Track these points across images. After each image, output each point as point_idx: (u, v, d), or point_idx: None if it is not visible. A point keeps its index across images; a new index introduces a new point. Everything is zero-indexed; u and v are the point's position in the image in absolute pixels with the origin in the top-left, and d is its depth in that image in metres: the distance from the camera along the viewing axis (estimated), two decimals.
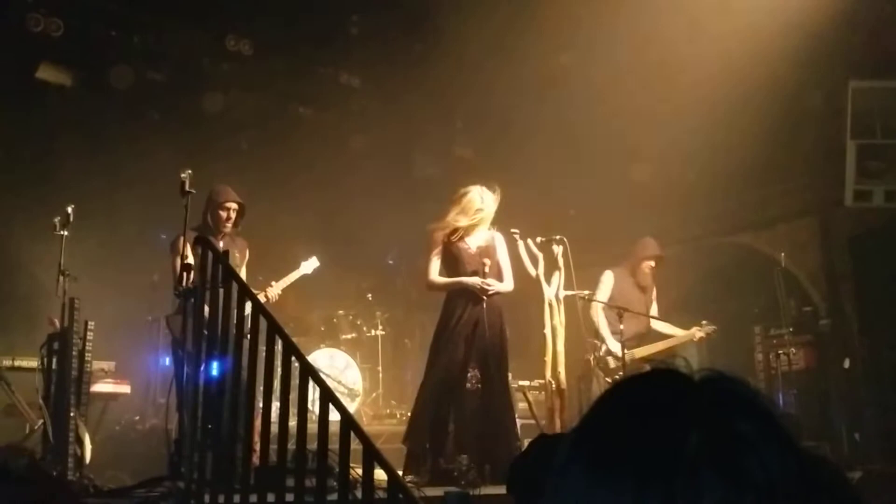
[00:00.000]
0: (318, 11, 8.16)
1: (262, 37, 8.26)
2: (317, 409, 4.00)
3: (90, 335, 6.03)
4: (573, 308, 6.91)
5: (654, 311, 7.60)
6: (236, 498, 4.03)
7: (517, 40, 7.86)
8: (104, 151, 8.05)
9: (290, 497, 3.84)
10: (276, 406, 4.40)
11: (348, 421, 3.84)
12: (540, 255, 6.65)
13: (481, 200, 6.09)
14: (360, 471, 3.80)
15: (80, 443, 5.63)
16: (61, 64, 7.87)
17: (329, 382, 5.80)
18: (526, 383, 7.23)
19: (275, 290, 6.63)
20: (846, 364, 8.04)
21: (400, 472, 4.45)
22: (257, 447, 4.54)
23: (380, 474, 3.78)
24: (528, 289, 6.73)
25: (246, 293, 4.44)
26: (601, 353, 7.25)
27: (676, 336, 7.54)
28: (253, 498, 3.96)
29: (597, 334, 7.30)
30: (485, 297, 5.91)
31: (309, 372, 4.11)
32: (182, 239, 5.91)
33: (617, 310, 7.09)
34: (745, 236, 9.58)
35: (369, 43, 8.47)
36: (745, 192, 9.39)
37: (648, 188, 9.66)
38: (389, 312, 10.05)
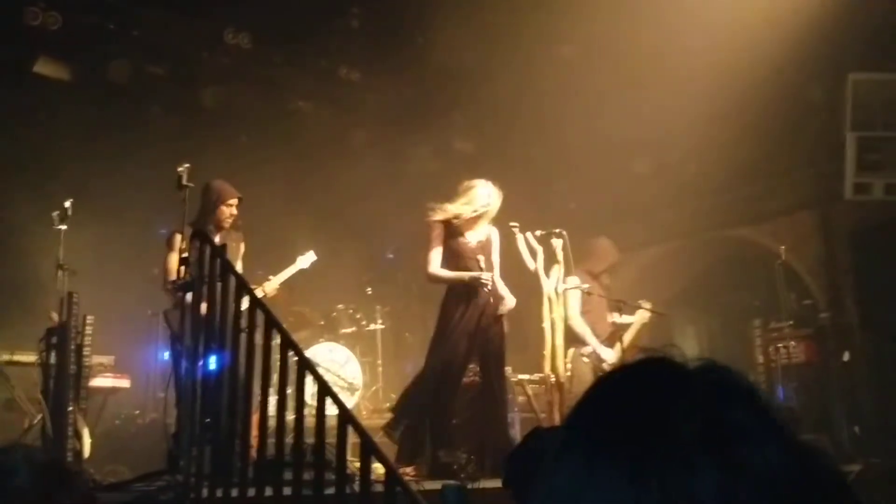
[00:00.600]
0: (318, 4, 8.13)
1: (261, 30, 8.23)
2: (315, 403, 3.99)
3: (89, 329, 6.04)
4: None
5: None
6: (234, 492, 4.03)
7: (517, 33, 7.85)
8: (103, 145, 8.04)
9: (287, 491, 3.84)
10: (273, 400, 4.40)
11: (345, 415, 3.83)
12: (539, 249, 6.65)
13: (487, 196, 6.09)
14: (358, 464, 3.80)
15: (80, 437, 5.64)
16: (59, 58, 7.85)
17: (328, 376, 5.82)
18: (525, 377, 7.22)
19: (272, 284, 6.63)
20: (846, 357, 8.04)
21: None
22: (255, 441, 4.54)
23: (378, 468, 3.78)
24: (528, 282, 6.73)
25: (243, 287, 4.43)
26: (589, 353, 7.19)
27: (633, 323, 7.54)
28: (251, 492, 3.96)
29: (579, 341, 7.21)
30: (486, 291, 5.91)
31: (306, 366, 4.11)
32: (178, 235, 5.91)
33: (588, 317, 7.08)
34: (746, 230, 9.57)
35: (369, 36, 8.44)
36: (745, 185, 9.37)
37: (649, 181, 9.65)
38: (389, 306, 10.04)
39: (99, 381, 7.15)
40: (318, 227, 9.26)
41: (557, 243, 6.67)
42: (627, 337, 7.46)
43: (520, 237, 6.59)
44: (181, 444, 4.52)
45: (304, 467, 3.87)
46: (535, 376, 7.03)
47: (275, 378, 4.24)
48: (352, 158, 9.40)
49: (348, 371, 8.91)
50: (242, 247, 6.38)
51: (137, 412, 8.24)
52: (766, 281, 8.29)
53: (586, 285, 7.15)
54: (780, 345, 7.86)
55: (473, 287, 5.94)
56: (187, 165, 5.40)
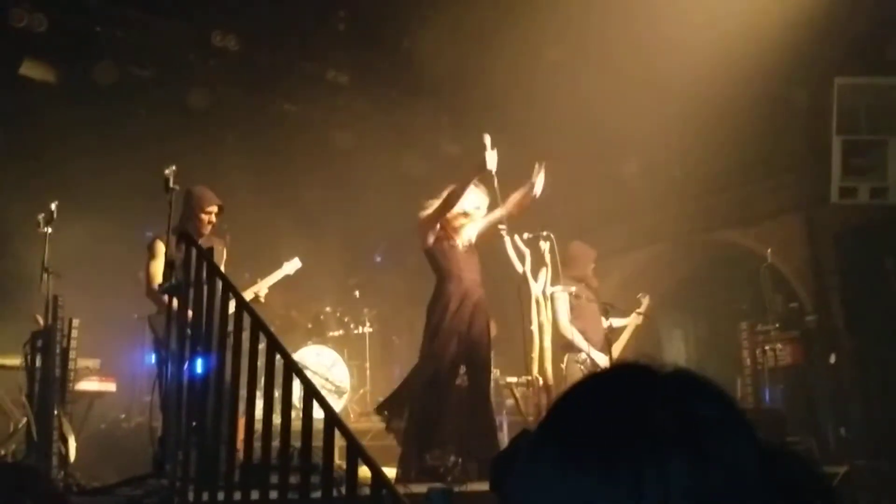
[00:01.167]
0: (305, 7, 8.12)
1: (248, 32, 8.21)
2: (302, 406, 3.98)
3: (74, 333, 6.00)
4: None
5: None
6: (220, 495, 4.01)
7: (503, 37, 7.85)
8: (88, 148, 7.99)
9: (274, 494, 3.83)
10: (260, 403, 4.38)
11: (332, 418, 3.82)
12: (527, 252, 6.65)
13: (476, 198, 6.12)
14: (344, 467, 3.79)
15: (65, 441, 5.60)
16: (45, 60, 7.81)
17: (316, 380, 5.81)
18: (513, 380, 7.22)
19: (262, 288, 6.61)
20: (832, 360, 8.08)
21: (391, 469, 4.44)
22: (241, 445, 4.52)
23: (364, 471, 3.77)
24: (515, 285, 6.73)
25: (230, 290, 4.41)
26: (583, 359, 7.18)
27: (629, 324, 7.56)
28: (237, 495, 3.94)
29: (572, 347, 7.21)
30: (477, 295, 5.93)
31: (293, 369, 4.10)
32: (159, 242, 5.89)
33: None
34: (732, 233, 9.61)
35: (356, 39, 8.44)
36: (731, 188, 9.42)
37: (635, 185, 9.68)
38: (377, 309, 10.03)
39: (84, 385, 7.10)
40: (305, 230, 9.25)
41: (545, 246, 6.68)
42: (622, 340, 7.47)
43: (507, 240, 6.60)
44: (167, 448, 4.49)
45: (291, 471, 3.86)
46: (523, 379, 7.03)
47: (261, 381, 4.22)
48: (339, 161, 9.39)
49: (336, 374, 8.90)
50: (225, 253, 6.30)
51: (123, 416, 8.19)
52: (752, 284, 8.32)
53: (573, 288, 7.16)
54: (766, 347, 7.89)
55: (466, 287, 5.93)
56: (174, 168, 5.37)
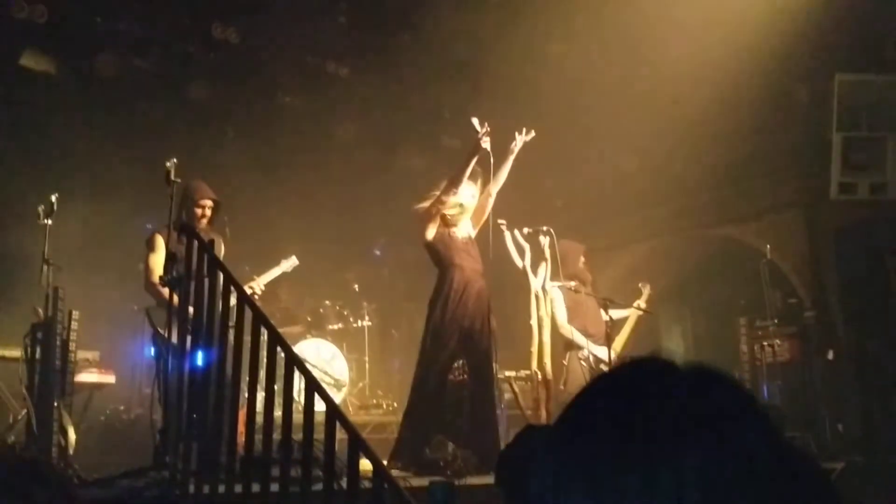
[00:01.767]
0: None
1: (248, 25, 8.19)
2: (302, 399, 3.99)
3: (74, 325, 6.00)
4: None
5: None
6: (221, 487, 4.02)
7: (505, 31, 7.85)
8: (89, 140, 7.98)
9: (274, 487, 3.83)
10: (261, 396, 4.39)
11: (333, 410, 3.83)
12: (527, 247, 6.66)
13: (471, 193, 6.14)
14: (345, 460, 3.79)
15: (65, 433, 5.60)
16: (45, 51, 7.78)
17: (315, 373, 5.81)
18: (512, 374, 7.24)
19: (258, 284, 6.62)
20: (830, 356, 8.09)
21: (384, 461, 4.46)
22: (242, 437, 4.52)
23: (365, 464, 3.78)
24: (515, 280, 6.74)
25: (232, 283, 4.41)
26: (586, 356, 7.17)
27: (630, 316, 7.55)
28: (238, 487, 3.95)
29: (572, 345, 7.21)
30: (479, 285, 5.94)
31: (294, 362, 4.10)
32: (158, 236, 5.89)
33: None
34: (731, 228, 9.62)
35: (357, 32, 8.42)
36: (730, 184, 9.42)
37: (635, 180, 9.69)
38: (376, 303, 10.04)
39: (84, 377, 7.10)
40: (305, 223, 9.25)
41: (545, 241, 6.70)
42: (624, 333, 7.47)
43: (507, 234, 6.61)
44: (167, 440, 4.50)
45: (292, 463, 3.87)
46: (522, 373, 7.05)
47: (262, 374, 4.23)
48: (339, 154, 9.38)
49: (335, 367, 8.91)
50: (223, 249, 6.27)
51: (123, 408, 8.20)
52: (751, 279, 8.33)
53: (573, 283, 7.16)
54: (765, 343, 7.91)
55: (467, 280, 5.95)
56: (175, 160, 5.36)
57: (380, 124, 9.41)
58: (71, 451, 5.65)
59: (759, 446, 0.72)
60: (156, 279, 5.72)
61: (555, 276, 6.79)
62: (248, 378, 4.42)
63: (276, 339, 4.12)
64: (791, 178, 8.96)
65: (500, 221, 6.46)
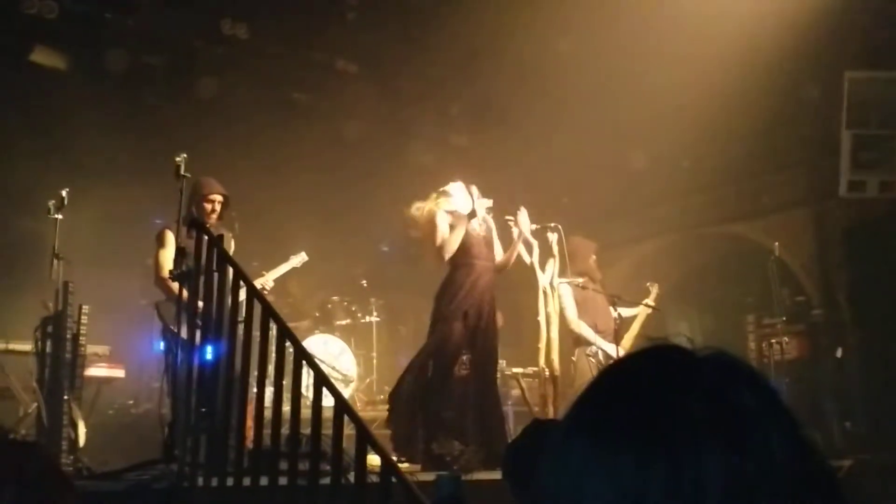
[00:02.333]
0: None
1: (258, 21, 8.21)
2: (311, 394, 4.00)
3: (84, 319, 6.03)
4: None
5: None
6: (229, 481, 4.04)
7: (513, 27, 7.84)
8: (98, 135, 8.01)
9: (283, 481, 3.85)
10: (270, 390, 4.41)
11: (342, 405, 3.84)
12: (534, 243, 6.66)
13: (464, 199, 6.22)
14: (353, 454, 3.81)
15: (74, 426, 5.64)
16: (55, 47, 7.81)
17: (323, 368, 5.82)
18: (519, 370, 7.24)
19: (268, 280, 6.65)
20: (838, 353, 8.08)
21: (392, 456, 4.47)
22: (251, 431, 4.55)
23: (373, 459, 3.80)
24: (523, 276, 6.75)
25: (242, 278, 4.43)
26: (595, 352, 7.16)
27: (639, 314, 7.53)
28: (246, 481, 3.97)
29: (581, 341, 7.20)
30: (487, 279, 5.97)
31: (303, 356, 4.12)
32: (166, 231, 5.92)
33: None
34: (740, 226, 9.60)
35: (366, 29, 8.43)
36: (739, 181, 9.40)
37: (644, 177, 9.67)
38: (384, 299, 10.05)
39: (93, 371, 7.14)
40: (314, 219, 9.27)
41: (553, 237, 6.69)
42: (633, 329, 7.45)
43: (515, 230, 6.61)
44: (176, 434, 4.52)
45: (300, 457, 3.88)
46: (530, 370, 7.05)
47: (270, 369, 4.25)
48: (348, 151, 9.39)
49: (343, 363, 8.93)
50: (232, 245, 6.28)
51: (131, 402, 8.24)
52: (759, 277, 8.32)
53: (580, 280, 7.15)
54: (773, 340, 7.89)
55: (477, 276, 5.98)
56: (185, 155, 5.39)
57: (387, 120, 9.42)
58: (80, 445, 5.69)
59: (782, 444, 0.70)
60: (165, 274, 5.74)
61: (563, 272, 6.78)
62: (256, 372, 4.44)
63: (286, 334, 4.14)
64: (800, 176, 8.94)
65: (507, 217, 6.47)
